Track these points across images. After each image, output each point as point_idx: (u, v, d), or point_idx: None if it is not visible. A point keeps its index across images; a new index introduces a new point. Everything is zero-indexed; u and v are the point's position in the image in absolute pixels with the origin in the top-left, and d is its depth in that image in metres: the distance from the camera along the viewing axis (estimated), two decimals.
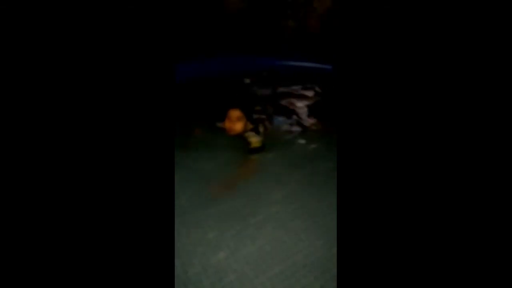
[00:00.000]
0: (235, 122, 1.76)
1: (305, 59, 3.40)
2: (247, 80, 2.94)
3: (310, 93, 2.69)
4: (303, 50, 3.54)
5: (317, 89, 2.84)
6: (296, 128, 2.09)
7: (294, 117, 2.22)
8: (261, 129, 1.85)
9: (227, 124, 1.79)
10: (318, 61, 3.37)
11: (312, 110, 2.36)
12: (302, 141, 1.95)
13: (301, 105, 2.41)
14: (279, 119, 2.11)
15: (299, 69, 3.38)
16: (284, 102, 2.47)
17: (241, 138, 1.84)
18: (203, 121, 2.05)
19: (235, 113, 1.76)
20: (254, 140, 1.79)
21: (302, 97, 2.61)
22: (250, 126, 1.82)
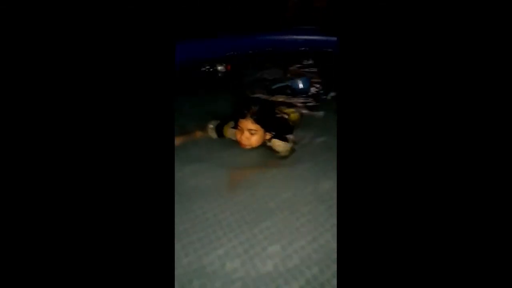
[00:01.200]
0: (249, 137, 1.33)
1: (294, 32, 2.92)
2: (221, 68, 2.35)
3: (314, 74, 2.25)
4: (307, 26, 3.05)
5: (313, 63, 2.41)
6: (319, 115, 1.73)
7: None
8: (288, 136, 1.43)
9: (238, 136, 1.36)
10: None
11: (327, 90, 1.97)
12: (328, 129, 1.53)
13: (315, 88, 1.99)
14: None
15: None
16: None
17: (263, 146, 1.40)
18: (195, 121, 1.58)
19: (247, 125, 1.31)
20: (283, 150, 1.39)
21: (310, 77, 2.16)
22: (269, 135, 1.39)
